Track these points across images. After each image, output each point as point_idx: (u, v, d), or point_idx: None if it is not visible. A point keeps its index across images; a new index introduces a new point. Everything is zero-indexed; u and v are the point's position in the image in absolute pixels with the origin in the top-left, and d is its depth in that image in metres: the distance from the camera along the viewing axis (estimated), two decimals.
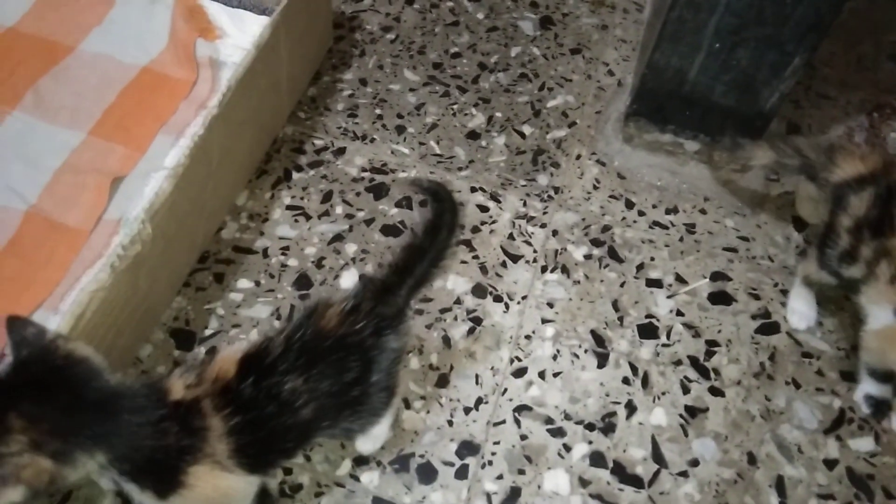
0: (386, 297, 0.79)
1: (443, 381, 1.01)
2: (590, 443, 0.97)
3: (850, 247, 0.97)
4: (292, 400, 0.72)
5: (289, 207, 1.17)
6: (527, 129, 1.31)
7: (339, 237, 1.14)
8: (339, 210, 1.17)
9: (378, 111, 1.31)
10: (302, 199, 1.18)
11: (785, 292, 1.13)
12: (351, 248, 1.13)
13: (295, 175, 1.21)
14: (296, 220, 1.16)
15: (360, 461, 0.93)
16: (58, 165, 1.12)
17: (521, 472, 0.94)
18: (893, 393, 1.01)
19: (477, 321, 1.07)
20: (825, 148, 1.05)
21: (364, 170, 1.23)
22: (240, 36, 1.32)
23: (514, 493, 0.92)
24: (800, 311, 1.10)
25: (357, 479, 0.92)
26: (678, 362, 1.05)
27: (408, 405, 0.98)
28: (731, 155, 1.17)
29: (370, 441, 0.90)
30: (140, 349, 0.99)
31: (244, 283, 1.07)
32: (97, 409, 0.64)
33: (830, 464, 0.98)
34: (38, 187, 1.10)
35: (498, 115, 1.33)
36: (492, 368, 1.03)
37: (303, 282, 1.09)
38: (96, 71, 1.25)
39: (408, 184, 1.16)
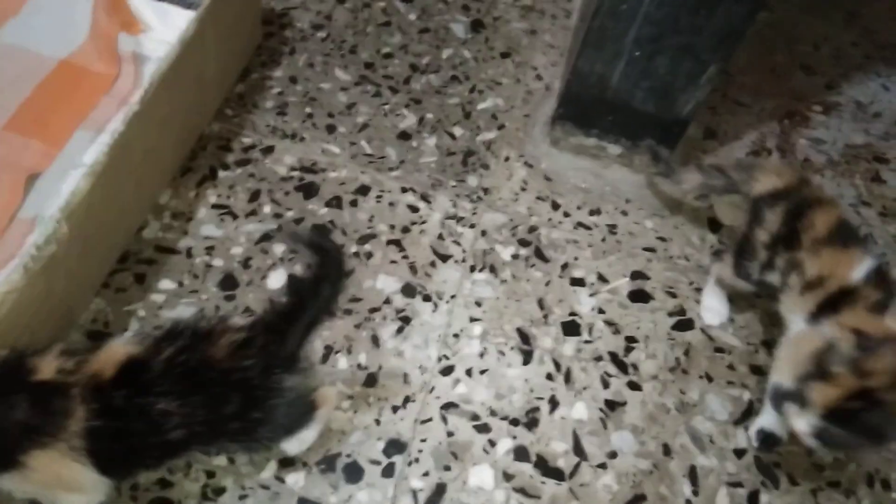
0: (278, 336, 0.77)
1: (371, 381, 1.02)
2: (514, 438, 0.99)
3: (767, 259, 1.03)
4: (162, 422, 0.71)
5: (214, 206, 1.15)
6: (457, 131, 1.33)
7: (266, 237, 1.13)
8: (267, 209, 1.16)
9: (308, 110, 1.31)
10: (228, 197, 1.17)
11: (699, 290, 1.18)
12: (279, 248, 1.12)
13: (221, 173, 1.19)
14: (222, 220, 1.14)
15: (286, 462, 0.93)
16: None
17: (447, 468, 0.96)
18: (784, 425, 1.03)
19: (406, 320, 1.08)
20: (746, 165, 1.12)
21: (293, 168, 1.22)
22: (164, 30, 1.29)
23: (440, 489, 0.94)
24: (713, 308, 1.15)
25: (282, 480, 0.92)
26: (599, 358, 1.09)
27: (336, 406, 0.98)
28: (656, 167, 1.23)
29: (295, 443, 0.90)
30: None
31: (166, 284, 1.05)
32: None
33: (739, 453, 1.03)
34: None
35: (429, 116, 1.34)
36: (420, 367, 1.04)
37: (228, 282, 1.07)
38: (13, 63, 1.20)
39: (288, 236, 1.11)
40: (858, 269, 0.95)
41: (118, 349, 0.74)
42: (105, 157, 0.89)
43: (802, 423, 0.88)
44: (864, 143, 1.45)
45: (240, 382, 0.75)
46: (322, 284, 0.80)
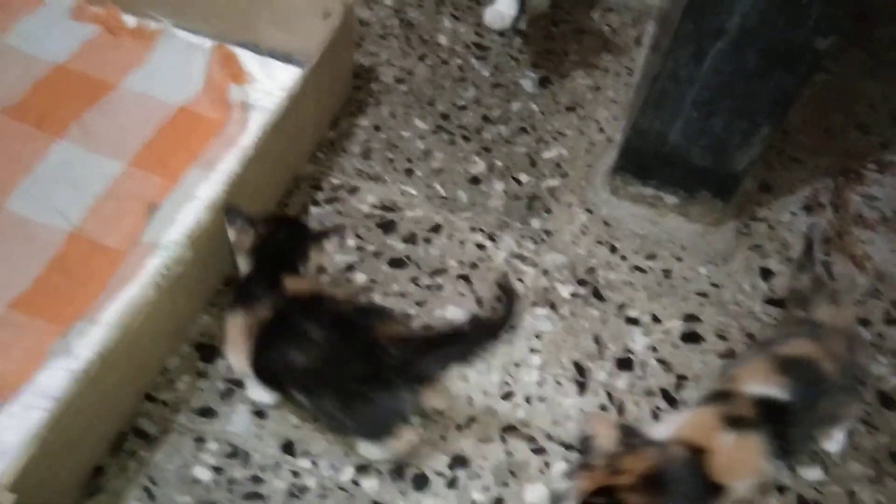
0: (429, 350, 0.93)
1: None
2: (568, 462, 1.08)
3: None
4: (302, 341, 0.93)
5: None
6: (523, 178, 1.44)
7: (350, 267, 1.26)
8: (351, 242, 1.30)
9: (390, 155, 1.45)
10: None
11: (751, 335, 1.25)
12: (361, 278, 1.25)
13: (312, 209, 1.34)
14: None
15: (362, 469, 1.04)
16: (100, 191, 1.25)
17: (506, 484, 1.05)
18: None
19: None
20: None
21: (375, 207, 1.36)
22: (268, 82, 1.46)
23: (498, 502, 1.03)
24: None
25: (358, 484, 1.02)
26: (650, 393, 1.17)
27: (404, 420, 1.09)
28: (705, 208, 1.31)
29: (362, 447, 1.01)
30: (169, 360, 1.11)
31: None
32: None
33: (782, 490, 1.09)
34: (81, 211, 1.22)
35: (498, 163, 1.46)
36: (483, 391, 1.14)
37: None
38: (137, 107, 1.39)
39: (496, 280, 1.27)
40: None
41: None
42: (223, 194, 1.03)
43: None
44: None
45: (373, 358, 0.90)
46: (494, 325, 0.93)
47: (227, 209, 1.04)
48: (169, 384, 1.09)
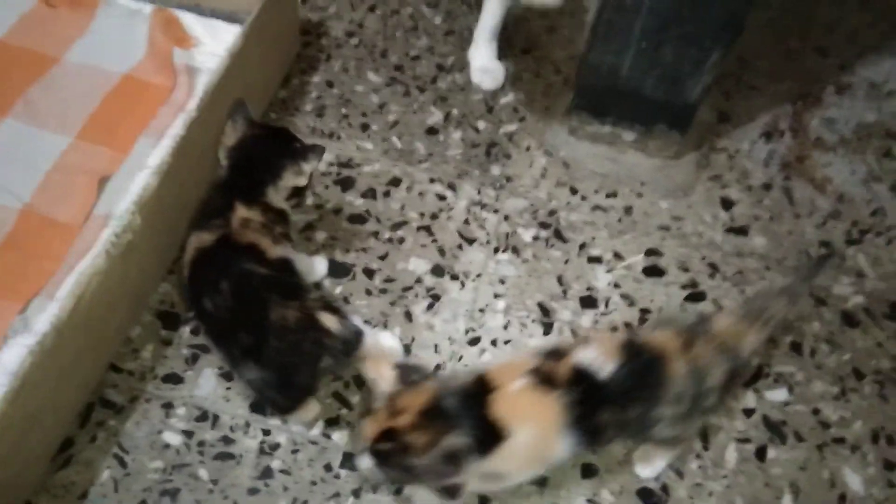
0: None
1: (406, 351, 1.13)
2: None
3: None
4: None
5: None
6: (481, 125, 1.43)
7: (310, 226, 1.26)
8: (308, 201, 1.28)
9: (344, 111, 1.43)
10: None
11: (712, 265, 1.26)
12: (321, 236, 1.25)
13: None
14: None
15: (331, 422, 1.05)
16: (49, 167, 1.23)
17: None
18: None
19: (436, 298, 1.19)
20: None
21: (332, 164, 1.34)
22: (213, 44, 1.42)
23: None
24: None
25: (328, 437, 1.04)
26: (615, 328, 1.18)
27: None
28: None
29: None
30: (131, 330, 1.10)
31: None
32: None
33: (748, 412, 1.11)
34: (31, 187, 1.20)
35: (454, 112, 1.44)
36: (449, 339, 1.15)
37: None
38: (81, 79, 1.35)
39: None
40: None
41: None
42: (169, 158, 1.02)
43: (364, 460, 0.85)
44: (875, 121, 1.49)
45: (257, 333, 0.92)
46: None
47: (236, 103, 1.06)
48: (133, 354, 1.09)
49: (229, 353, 0.96)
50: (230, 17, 1.44)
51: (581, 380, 0.84)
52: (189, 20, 1.44)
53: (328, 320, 0.93)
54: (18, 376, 0.84)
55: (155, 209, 1.01)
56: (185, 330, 1.11)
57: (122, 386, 1.06)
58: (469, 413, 0.82)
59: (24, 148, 1.25)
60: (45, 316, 1.06)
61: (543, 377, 0.84)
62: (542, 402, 0.83)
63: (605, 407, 0.85)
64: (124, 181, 1.23)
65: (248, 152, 1.04)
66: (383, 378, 0.89)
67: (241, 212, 1.00)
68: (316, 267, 1.18)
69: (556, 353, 0.87)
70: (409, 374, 0.86)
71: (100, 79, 1.36)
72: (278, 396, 0.98)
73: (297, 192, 1.06)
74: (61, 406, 0.97)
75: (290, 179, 1.03)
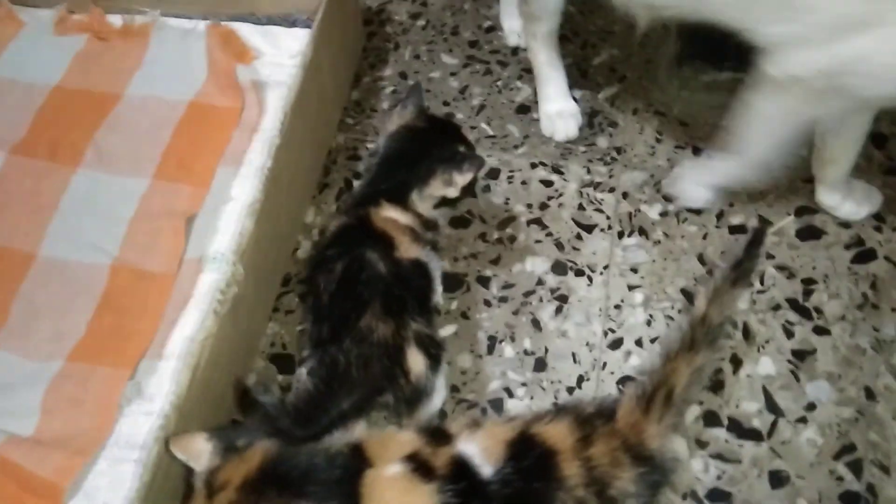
0: None
1: (540, 365, 1.01)
2: (700, 403, 0.96)
3: None
4: None
5: None
6: (576, 93, 1.27)
7: None
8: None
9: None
10: None
11: (877, 216, 1.08)
12: None
13: (355, 182, 1.22)
14: None
15: None
16: (130, 215, 1.15)
17: None
18: None
19: (563, 299, 1.07)
20: None
21: None
22: (275, 53, 1.31)
23: None
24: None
25: None
26: (777, 307, 1.03)
27: (510, 394, 0.99)
28: None
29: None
30: (247, 381, 1.03)
31: None
32: None
33: None
34: (117, 239, 1.13)
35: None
36: (587, 344, 1.02)
37: None
38: (147, 114, 1.27)
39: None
40: None
41: None
42: (260, 195, 0.93)
43: None
44: None
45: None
46: None
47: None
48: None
49: (310, 338, 0.89)
50: (287, 21, 1.33)
51: (461, 475, 0.72)
52: (245, 31, 1.33)
53: (415, 362, 0.83)
54: (148, 468, 0.77)
55: (254, 251, 0.93)
56: (302, 372, 1.03)
57: None
58: (335, 485, 0.70)
59: (103, 198, 1.18)
60: (157, 379, 1.00)
61: (421, 465, 0.72)
62: (415, 493, 0.71)
63: None
64: (211, 218, 1.14)
65: (402, 147, 0.95)
66: (194, 454, 0.75)
67: (386, 210, 0.91)
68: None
69: (440, 437, 0.75)
70: (233, 441, 0.74)
71: (165, 110, 1.27)
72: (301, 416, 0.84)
73: (446, 203, 0.95)
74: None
75: (437, 188, 0.93)
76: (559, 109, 1.20)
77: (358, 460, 0.73)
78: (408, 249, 0.89)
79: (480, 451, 0.73)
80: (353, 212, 0.94)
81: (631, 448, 0.74)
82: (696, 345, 0.80)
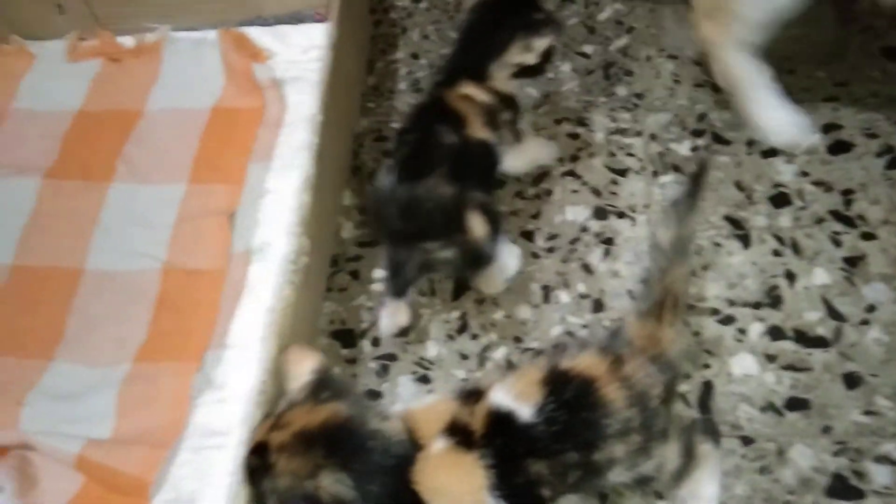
0: None
1: (598, 306, 1.03)
2: (762, 320, 0.97)
3: None
4: None
5: None
6: (588, 49, 1.30)
7: None
8: None
9: None
10: None
11: None
12: None
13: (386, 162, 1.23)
14: None
15: None
16: (173, 219, 1.17)
17: (707, 366, 0.95)
18: None
19: (609, 242, 1.08)
20: None
21: None
22: (287, 50, 1.33)
23: (707, 387, 0.94)
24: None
25: None
26: (820, 220, 1.04)
27: (574, 337, 1.00)
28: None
29: None
30: None
31: (380, 273, 1.10)
32: None
33: None
34: (163, 244, 1.15)
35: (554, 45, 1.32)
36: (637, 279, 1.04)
37: None
38: (172, 125, 1.29)
39: None
40: None
41: None
42: (313, 168, 0.94)
43: None
44: None
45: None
46: None
47: None
48: None
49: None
50: (295, 18, 1.36)
51: (499, 428, 0.71)
52: (255, 34, 1.36)
53: (476, 224, 0.85)
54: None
55: (313, 225, 0.94)
56: (365, 343, 1.04)
57: None
58: (383, 473, 0.70)
59: (141, 207, 1.20)
60: (223, 367, 1.01)
61: (461, 434, 0.72)
62: (463, 466, 0.70)
63: (534, 457, 0.70)
64: (251, 212, 1.16)
65: (480, 18, 0.95)
66: (297, 377, 0.76)
67: (465, 87, 0.92)
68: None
69: (473, 395, 0.75)
70: (321, 389, 0.75)
71: (189, 119, 1.29)
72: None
73: (525, 73, 0.96)
74: None
75: (515, 55, 0.93)
76: (785, 114, 1.08)
77: (412, 448, 0.72)
78: (478, 130, 0.91)
79: (515, 396, 0.72)
80: (429, 92, 0.97)
81: (655, 358, 0.75)
82: (681, 255, 0.80)
